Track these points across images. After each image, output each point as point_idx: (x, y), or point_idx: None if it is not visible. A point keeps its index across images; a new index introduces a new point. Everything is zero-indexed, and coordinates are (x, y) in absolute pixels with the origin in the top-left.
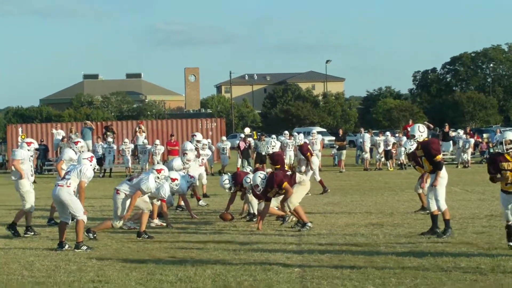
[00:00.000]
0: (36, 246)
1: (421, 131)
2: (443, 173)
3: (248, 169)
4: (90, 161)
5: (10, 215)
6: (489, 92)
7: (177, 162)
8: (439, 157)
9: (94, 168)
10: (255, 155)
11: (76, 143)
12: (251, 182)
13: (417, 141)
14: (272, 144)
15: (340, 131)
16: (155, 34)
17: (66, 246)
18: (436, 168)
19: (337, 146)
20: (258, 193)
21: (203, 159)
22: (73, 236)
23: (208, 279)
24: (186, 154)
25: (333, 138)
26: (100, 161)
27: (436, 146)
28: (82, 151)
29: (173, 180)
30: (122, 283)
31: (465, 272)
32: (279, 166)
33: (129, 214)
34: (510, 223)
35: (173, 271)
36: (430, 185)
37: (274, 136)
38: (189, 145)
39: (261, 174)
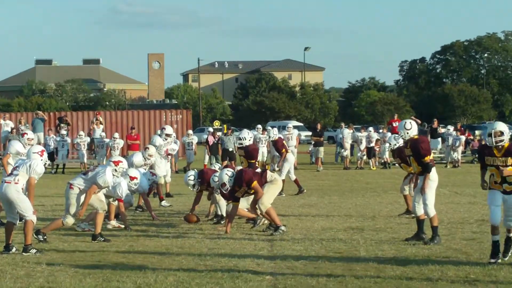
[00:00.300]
0: None
1: (407, 128)
2: (433, 176)
3: (217, 166)
4: (41, 156)
5: None
6: (483, 85)
7: (137, 157)
8: (429, 157)
9: (45, 164)
10: (221, 151)
11: (23, 135)
12: (219, 179)
13: (404, 138)
14: (249, 136)
15: (318, 126)
16: (116, 16)
17: (13, 249)
18: (425, 170)
19: (313, 142)
20: (225, 192)
21: (169, 154)
22: (21, 238)
23: (170, 286)
24: (148, 148)
25: (310, 133)
26: (52, 155)
27: (426, 146)
28: (31, 144)
29: (132, 178)
30: None
31: (452, 282)
32: (254, 161)
33: (84, 211)
34: (497, 225)
35: (131, 277)
36: (419, 188)
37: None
38: (158, 140)
39: (228, 172)
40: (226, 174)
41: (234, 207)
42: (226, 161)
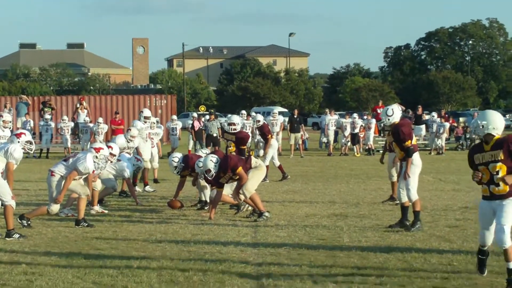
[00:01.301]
0: None
1: (388, 115)
2: (416, 161)
3: (204, 151)
4: (19, 138)
5: None
6: (467, 71)
7: (120, 140)
8: (410, 142)
9: (25, 148)
10: (205, 137)
11: (5, 122)
12: (204, 165)
13: (386, 125)
14: (241, 121)
15: (295, 112)
16: (101, 0)
17: None
18: (407, 155)
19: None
20: (210, 178)
21: (152, 138)
22: (3, 223)
23: (153, 272)
24: (130, 130)
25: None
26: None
27: (407, 130)
28: (7, 127)
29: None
30: (57, 276)
31: (435, 269)
32: (244, 147)
33: (62, 196)
34: (486, 248)
35: (114, 263)
36: (402, 174)
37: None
38: (139, 124)
39: (213, 158)
40: (211, 160)
41: (218, 193)
42: (210, 147)
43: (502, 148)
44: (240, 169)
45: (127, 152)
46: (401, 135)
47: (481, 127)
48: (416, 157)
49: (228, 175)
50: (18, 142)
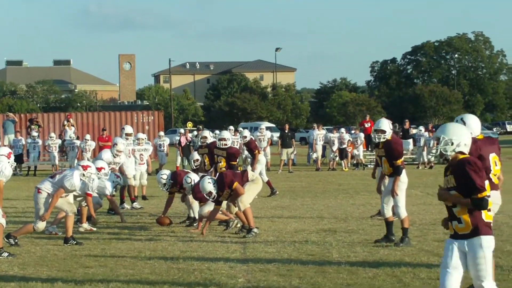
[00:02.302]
0: None
1: (390, 128)
2: (403, 177)
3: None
4: (8, 158)
5: None
6: (454, 85)
7: (106, 154)
8: (400, 161)
9: (12, 166)
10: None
11: None
12: (203, 189)
13: (380, 139)
14: (231, 137)
15: (286, 127)
16: (87, 17)
17: None
18: (395, 172)
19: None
20: (212, 200)
21: (141, 155)
22: None
23: None
24: (116, 144)
25: None
26: (21, 157)
27: (400, 148)
28: None
29: (99, 169)
30: None
31: (425, 284)
32: (235, 163)
33: (48, 214)
34: None
35: (103, 281)
36: (388, 190)
37: (218, 131)
38: (119, 140)
39: (209, 179)
40: (209, 182)
41: (215, 209)
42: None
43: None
44: (236, 184)
45: (112, 168)
46: (395, 152)
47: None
48: (402, 174)
49: (226, 192)
50: (8, 161)
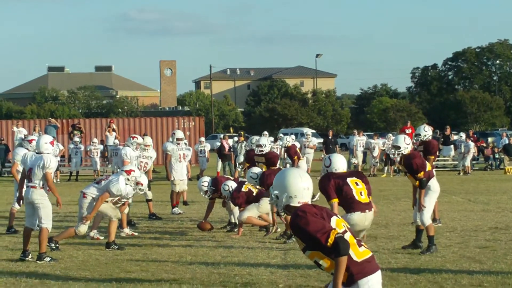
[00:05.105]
0: None
1: (407, 143)
2: (434, 186)
3: (239, 168)
4: (52, 145)
5: None
6: (495, 91)
7: (128, 150)
8: (422, 174)
9: (54, 153)
10: (234, 159)
11: (30, 141)
12: (230, 189)
13: (403, 153)
14: (268, 142)
15: (330, 133)
16: (128, 23)
17: (29, 257)
18: (420, 186)
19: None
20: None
21: (145, 162)
22: (35, 247)
23: None
24: (144, 138)
25: (322, 140)
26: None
27: (419, 161)
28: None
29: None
30: None
31: None
32: (275, 168)
33: (91, 217)
34: None
35: (145, 286)
36: (418, 200)
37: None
38: (170, 145)
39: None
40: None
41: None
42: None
43: None
44: None
45: (145, 164)
46: (414, 166)
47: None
48: (433, 182)
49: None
50: (53, 149)
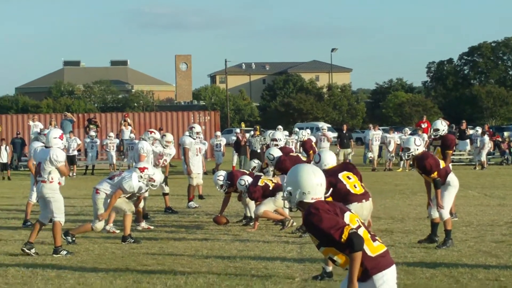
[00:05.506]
0: (11, 250)
1: (417, 145)
2: (453, 181)
3: (255, 162)
4: (61, 139)
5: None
6: (511, 86)
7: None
8: (435, 174)
9: (64, 147)
10: (249, 153)
11: (46, 135)
12: (246, 184)
13: (413, 155)
14: (283, 137)
15: (344, 127)
16: (143, 17)
17: (32, 250)
18: (434, 186)
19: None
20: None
21: (164, 159)
22: (51, 240)
23: None
24: (166, 136)
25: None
26: (74, 159)
27: (432, 161)
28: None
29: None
30: None
31: (483, 285)
32: (294, 154)
33: (107, 214)
34: None
35: (161, 279)
36: (435, 198)
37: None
38: (188, 139)
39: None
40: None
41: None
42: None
43: None
44: None
45: (164, 160)
46: (428, 167)
47: None
48: (452, 177)
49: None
50: (62, 143)
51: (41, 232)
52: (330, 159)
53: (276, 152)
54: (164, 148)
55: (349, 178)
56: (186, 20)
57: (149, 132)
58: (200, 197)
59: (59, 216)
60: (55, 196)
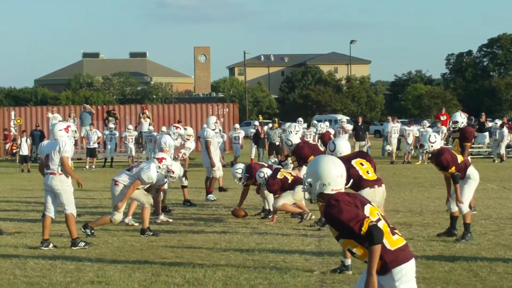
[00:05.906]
0: (30, 243)
1: (431, 141)
2: (473, 174)
3: (272, 161)
4: (67, 132)
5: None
6: None
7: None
8: (453, 169)
9: (73, 138)
10: (268, 145)
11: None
12: (265, 176)
13: (428, 152)
14: (297, 130)
15: (359, 119)
16: (162, 9)
17: (50, 246)
18: (453, 181)
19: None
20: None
21: (183, 153)
22: (68, 233)
23: (218, 281)
24: (186, 129)
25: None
26: (94, 151)
27: (449, 156)
28: (74, 137)
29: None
30: (124, 285)
31: (502, 278)
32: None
33: (123, 204)
34: None
35: (180, 272)
36: (454, 191)
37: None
38: (211, 132)
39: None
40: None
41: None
42: (273, 155)
43: None
44: (311, 158)
45: (183, 154)
46: (445, 163)
47: None
48: (471, 170)
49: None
50: (68, 136)
51: (59, 225)
52: (345, 147)
53: (295, 139)
54: (184, 141)
55: (362, 165)
56: (206, 12)
57: (174, 127)
58: (221, 189)
59: (70, 208)
60: (65, 188)
